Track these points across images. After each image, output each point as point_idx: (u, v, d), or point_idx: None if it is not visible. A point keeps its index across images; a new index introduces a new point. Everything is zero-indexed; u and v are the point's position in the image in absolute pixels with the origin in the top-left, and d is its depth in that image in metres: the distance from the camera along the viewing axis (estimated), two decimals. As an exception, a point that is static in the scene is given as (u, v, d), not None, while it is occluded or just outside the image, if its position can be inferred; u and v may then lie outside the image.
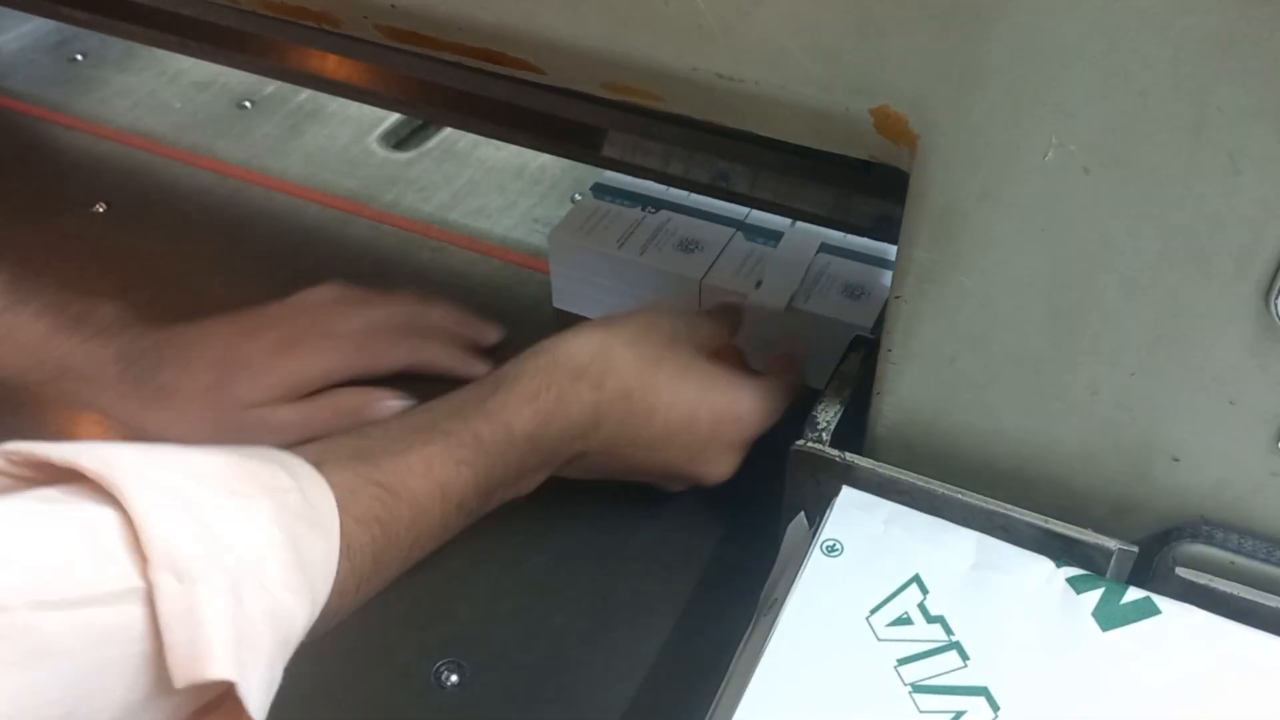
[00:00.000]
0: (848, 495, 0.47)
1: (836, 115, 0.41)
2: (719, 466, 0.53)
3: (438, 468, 0.45)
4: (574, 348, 0.50)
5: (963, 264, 0.41)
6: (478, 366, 0.63)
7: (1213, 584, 0.43)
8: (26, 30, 0.95)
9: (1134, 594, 0.43)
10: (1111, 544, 0.44)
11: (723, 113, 0.44)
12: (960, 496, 0.46)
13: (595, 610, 0.53)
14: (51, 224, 0.75)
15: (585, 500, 0.57)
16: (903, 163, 0.42)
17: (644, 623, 0.52)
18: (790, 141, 0.44)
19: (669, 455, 0.52)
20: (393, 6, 0.46)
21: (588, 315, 0.68)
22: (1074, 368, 0.42)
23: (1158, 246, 0.38)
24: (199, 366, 0.57)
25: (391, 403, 0.59)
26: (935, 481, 0.47)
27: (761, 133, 0.45)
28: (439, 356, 0.63)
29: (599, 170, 0.78)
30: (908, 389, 0.46)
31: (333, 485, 0.40)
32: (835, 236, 0.65)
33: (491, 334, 0.65)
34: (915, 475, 0.47)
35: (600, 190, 0.69)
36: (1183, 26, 0.33)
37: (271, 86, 0.88)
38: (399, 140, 0.84)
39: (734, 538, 0.56)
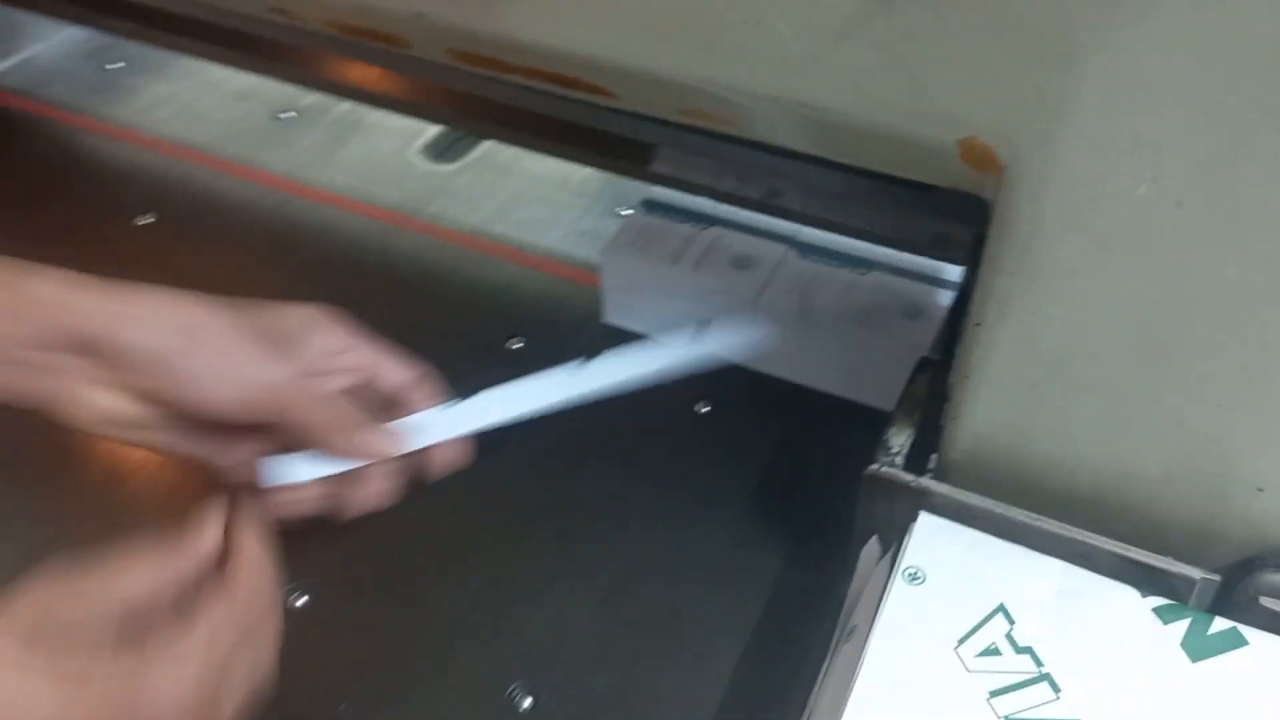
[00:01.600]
0: (926, 521, 0.47)
1: (921, 144, 0.40)
2: None
3: None
4: None
5: (1047, 292, 0.41)
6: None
7: (1298, 614, 0.43)
8: (62, 39, 0.95)
9: (1220, 624, 0.43)
10: (1195, 573, 0.44)
11: (801, 140, 0.44)
12: (1040, 524, 0.46)
13: (664, 631, 0.53)
14: (100, 235, 0.75)
15: (649, 518, 0.57)
16: (985, 191, 0.42)
17: (715, 644, 0.52)
18: (865, 167, 0.44)
19: None
20: (471, 33, 0.46)
21: (640, 330, 0.67)
22: (1159, 398, 0.42)
23: (1250, 280, 0.37)
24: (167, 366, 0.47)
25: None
26: (1014, 508, 0.46)
27: (837, 159, 0.44)
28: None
29: (643, 184, 0.78)
30: (984, 414, 0.46)
31: None
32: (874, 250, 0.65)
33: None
34: (994, 501, 0.47)
35: (651, 206, 0.68)
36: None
37: (310, 97, 0.88)
38: (441, 152, 0.83)
39: (800, 557, 0.56)
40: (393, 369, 0.51)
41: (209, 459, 0.49)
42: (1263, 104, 0.33)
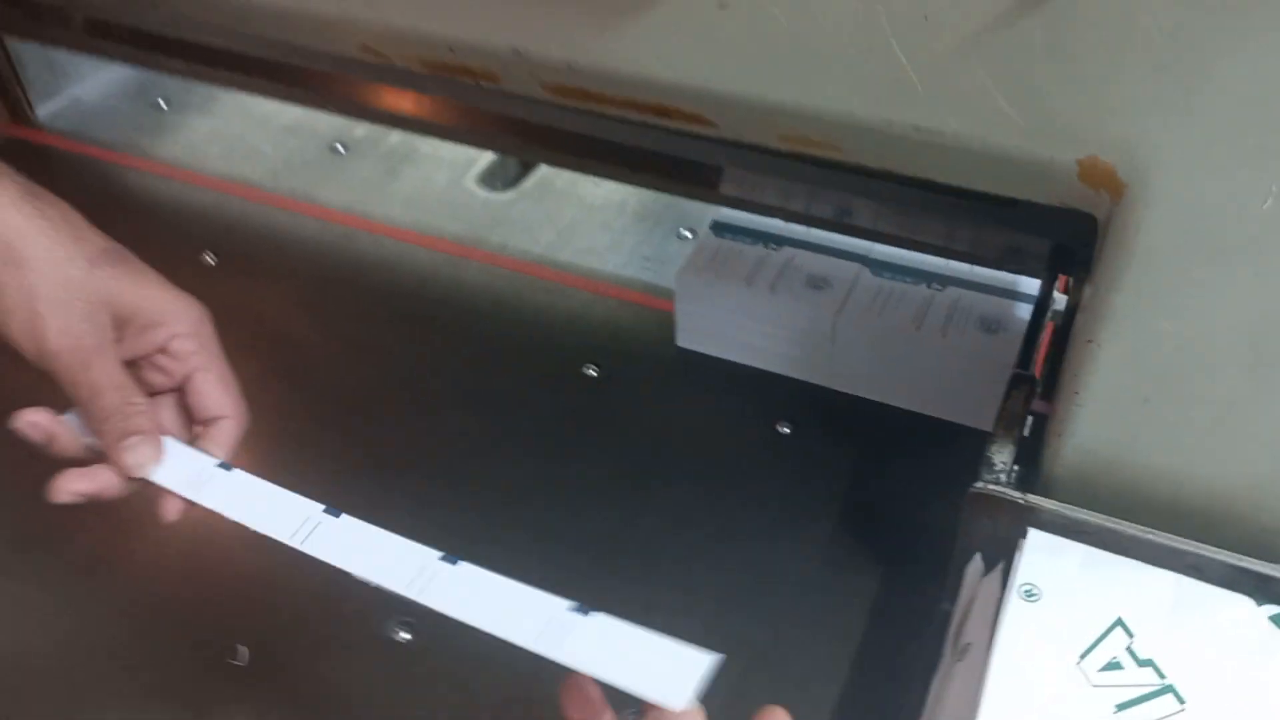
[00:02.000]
0: (1037, 538, 0.47)
1: (1038, 164, 0.41)
2: None
3: None
4: None
5: (1164, 308, 0.41)
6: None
7: None
8: (105, 79, 0.96)
9: (1338, 631, 0.43)
10: (1310, 580, 0.44)
11: (910, 163, 0.44)
12: (1151, 537, 0.46)
13: (768, 655, 0.53)
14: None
15: (741, 542, 0.58)
16: (1099, 209, 0.42)
17: (817, 666, 0.53)
18: (977, 189, 0.44)
19: None
20: (569, 67, 0.47)
21: (714, 353, 0.68)
22: (1271, 410, 0.42)
23: (1376, 290, 0.38)
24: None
25: None
26: (1125, 522, 0.47)
27: (947, 181, 0.45)
28: None
29: (700, 205, 0.78)
30: (1092, 431, 0.46)
31: None
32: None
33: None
34: (1103, 516, 0.47)
35: (720, 228, 0.69)
36: None
37: (360, 129, 0.88)
38: (496, 180, 0.84)
39: (892, 576, 0.56)
40: (215, 399, 0.49)
41: None
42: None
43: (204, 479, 0.47)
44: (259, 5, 0.52)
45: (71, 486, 0.45)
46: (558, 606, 0.41)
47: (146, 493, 0.47)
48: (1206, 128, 0.37)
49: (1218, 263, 0.39)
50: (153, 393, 0.48)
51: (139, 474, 0.46)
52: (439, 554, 0.43)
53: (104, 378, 0.45)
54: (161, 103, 0.93)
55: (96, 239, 0.47)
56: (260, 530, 0.44)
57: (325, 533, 0.44)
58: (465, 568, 0.43)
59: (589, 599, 0.55)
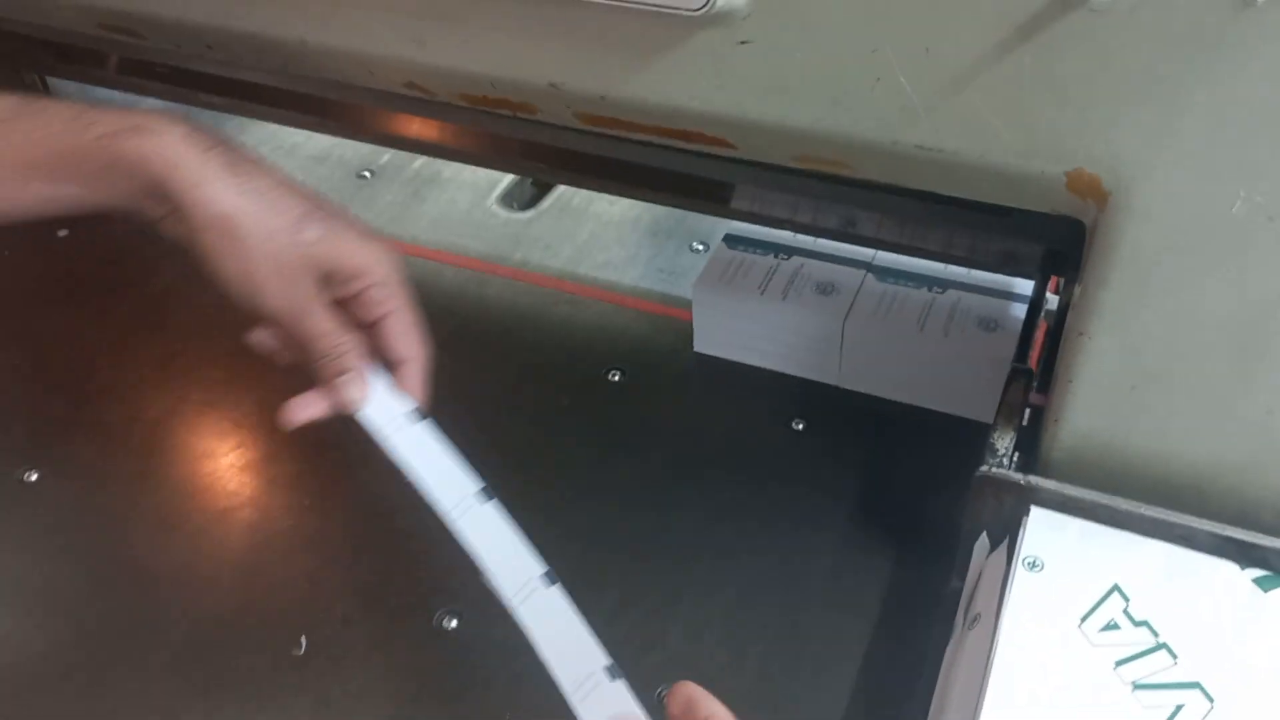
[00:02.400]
0: (1038, 514, 0.52)
1: (1030, 178, 0.46)
2: None
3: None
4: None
5: (1148, 303, 0.46)
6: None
7: (1383, 576, 0.48)
8: (137, 113, 1.00)
9: (1315, 590, 0.48)
10: (1287, 546, 0.49)
11: (913, 177, 0.49)
12: (1142, 511, 0.50)
13: (789, 637, 0.57)
14: (198, 306, 0.79)
15: (760, 532, 0.62)
16: (1086, 216, 0.47)
17: (836, 644, 0.57)
18: (974, 199, 0.49)
19: None
20: (602, 98, 0.51)
21: (729, 358, 0.72)
22: (1250, 392, 0.47)
23: (1335, 282, 0.43)
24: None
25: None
26: (1118, 498, 0.51)
27: (947, 193, 0.50)
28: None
29: (712, 219, 0.83)
30: (1085, 416, 0.51)
31: None
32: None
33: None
34: (1097, 493, 0.51)
35: (733, 240, 0.73)
36: (1370, 94, 0.38)
37: (385, 156, 0.93)
38: (516, 201, 0.89)
39: (904, 559, 0.61)
40: (404, 342, 0.55)
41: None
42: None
43: (397, 425, 0.54)
44: (312, 46, 0.57)
45: (297, 416, 0.54)
46: (597, 662, 0.48)
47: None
48: (1180, 143, 0.42)
49: (1195, 261, 0.44)
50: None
51: (352, 409, 0.54)
52: (542, 570, 0.51)
53: (315, 327, 0.52)
54: (191, 135, 0.97)
55: (297, 204, 0.52)
56: (425, 496, 0.52)
57: (474, 516, 0.52)
58: (554, 592, 0.50)
59: (631, 587, 0.59)
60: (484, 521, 0.52)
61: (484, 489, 0.53)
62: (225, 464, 0.67)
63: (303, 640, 0.57)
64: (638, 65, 0.49)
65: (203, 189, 0.49)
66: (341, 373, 0.53)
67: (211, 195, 0.49)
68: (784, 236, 0.73)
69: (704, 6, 0.45)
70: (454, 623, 0.58)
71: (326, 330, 0.53)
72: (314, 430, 0.68)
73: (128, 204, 0.51)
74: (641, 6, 0.46)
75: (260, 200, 0.50)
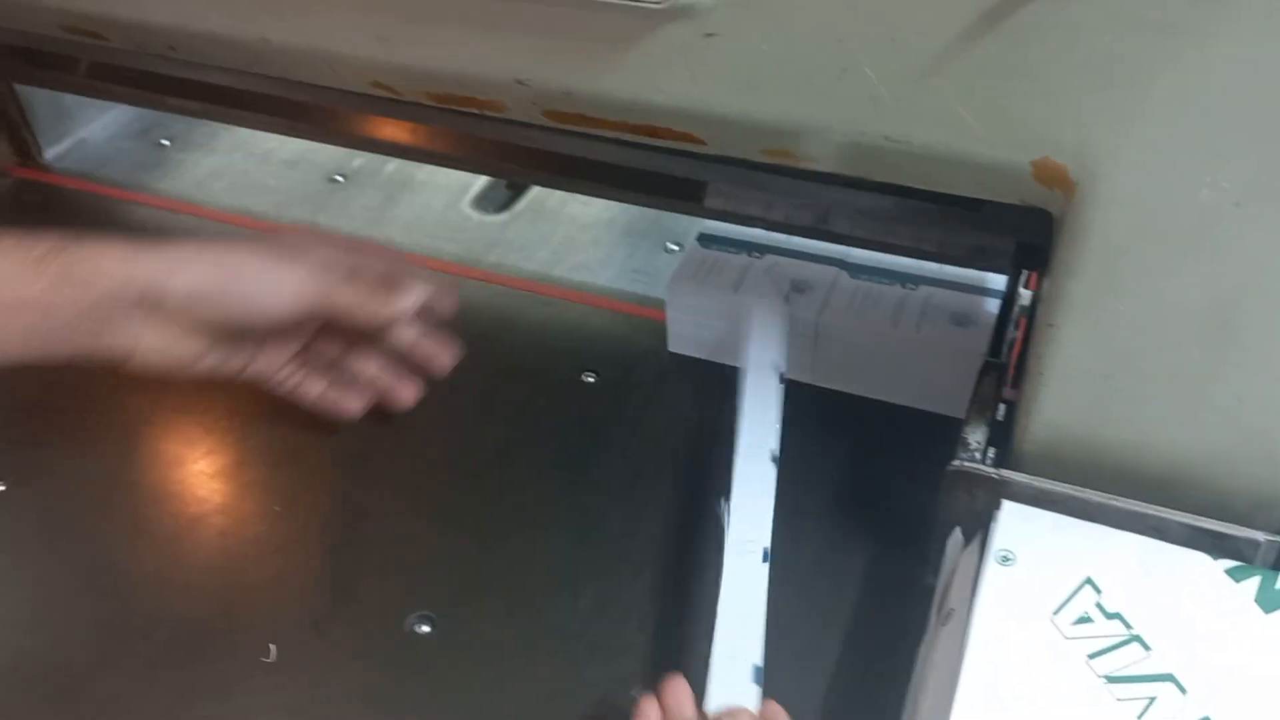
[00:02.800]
0: (1010, 508, 0.51)
1: (998, 167, 0.45)
2: None
3: None
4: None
5: (1117, 292, 0.46)
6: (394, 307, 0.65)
7: (1356, 564, 0.48)
8: (110, 119, 0.99)
9: (1287, 579, 0.47)
10: (1260, 536, 0.48)
11: (881, 170, 0.49)
12: (1115, 503, 0.50)
13: (767, 634, 0.57)
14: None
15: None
16: (1054, 206, 0.47)
17: (818, 639, 0.56)
18: (944, 191, 0.49)
19: None
20: (568, 94, 0.51)
21: (704, 358, 0.72)
22: (1221, 379, 0.47)
23: (1303, 268, 0.42)
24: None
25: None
26: (1090, 490, 0.51)
27: (915, 185, 0.49)
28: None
29: (686, 219, 0.83)
30: (1057, 407, 0.51)
31: None
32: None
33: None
34: (1069, 486, 0.51)
35: (706, 239, 0.73)
36: (1332, 78, 0.38)
37: (359, 160, 0.92)
38: (490, 203, 0.88)
39: (883, 554, 0.60)
40: (378, 256, 0.67)
41: (257, 372, 0.65)
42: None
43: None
44: (275, 46, 0.56)
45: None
46: (752, 655, 0.51)
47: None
48: (1146, 130, 0.42)
49: (1163, 249, 0.44)
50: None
51: (411, 307, 0.66)
52: (767, 544, 0.55)
53: (331, 291, 0.63)
54: (165, 141, 0.97)
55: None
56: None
57: (758, 464, 0.58)
58: (762, 569, 0.54)
59: (609, 587, 0.59)
60: (760, 472, 0.58)
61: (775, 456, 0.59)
62: (196, 470, 0.67)
63: (271, 648, 0.56)
64: (603, 60, 0.49)
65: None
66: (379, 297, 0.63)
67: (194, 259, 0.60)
68: (759, 235, 0.73)
69: (668, -1, 0.45)
70: (426, 628, 0.57)
71: (337, 281, 0.62)
72: (285, 436, 0.68)
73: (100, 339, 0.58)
74: (606, 0, 0.46)
75: (231, 247, 0.61)
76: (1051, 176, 0.44)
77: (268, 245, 0.62)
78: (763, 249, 0.72)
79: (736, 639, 0.51)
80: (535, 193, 0.88)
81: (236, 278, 0.60)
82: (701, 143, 0.52)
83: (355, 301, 0.63)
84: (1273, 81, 0.39)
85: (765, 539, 0.55)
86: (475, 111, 0.56)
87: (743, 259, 0.71)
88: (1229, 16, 0.38)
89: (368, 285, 0.63)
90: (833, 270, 0.70)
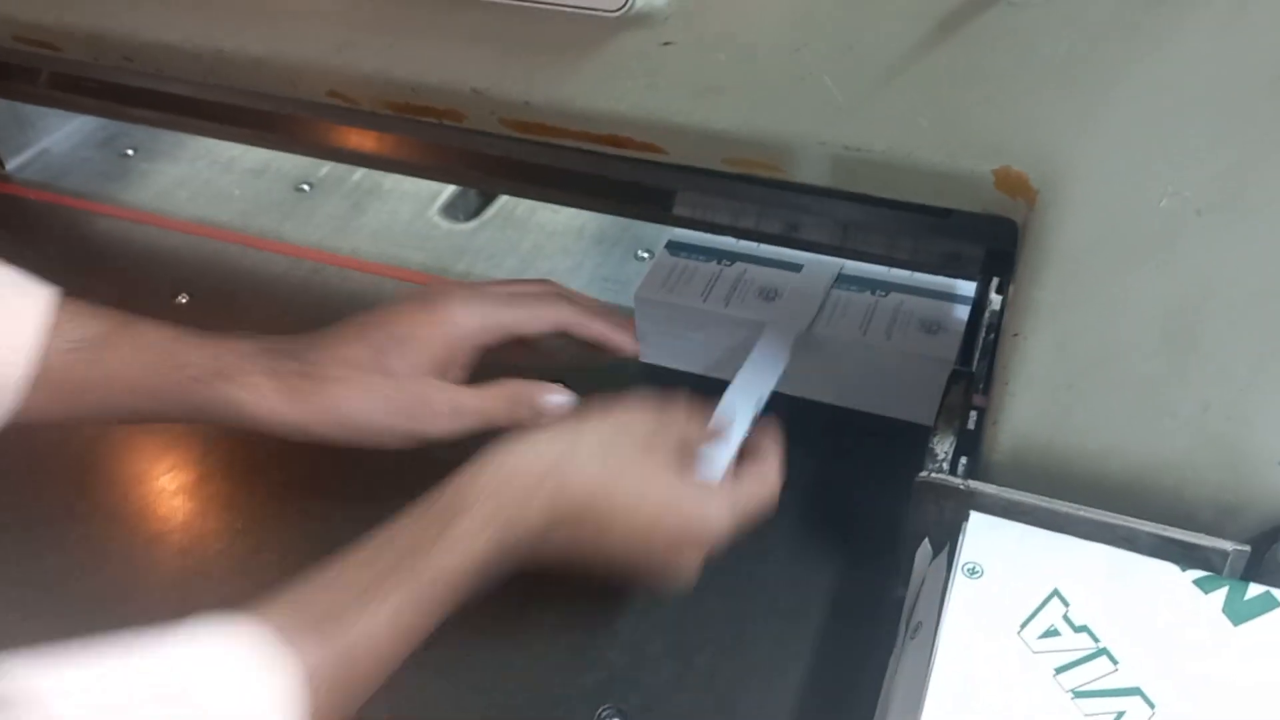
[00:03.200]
0: (978, 519, 0.51)
1: (959, 176, 0.45)
2: (678, 574, 0.53)
3: (406, 616, 0.45)
4: (528, 461, 0.49)
5: (1080, 300, 0.45)
6: (626, 340, 0.64)
7: (1325, 574, 0.47)
8: (73, 129, 0.98)
9: (1255, 589, 0.47)
10: (1228, 546, 0.48)
11: (843, 179, 0.48)
12: (1083, 513, 0.50)
13: (734, 648, 0.56)
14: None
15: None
16: (1017, 214, 0.46)
17: (782, 653, 0.56)
18: (908, 200, 0.48)
19: (626, 562, 0.52)
20: (526, 104, 0.50)
21: (674, 367, 0.71)
22: (1186, 387, 0.46)
23: (1265, 276, 0.42)
24: (350, 346, 0.55)
25: (559, 398, 0.58)
26: (1058, 501, 0.50)
27: (878, 194, 0.49)
28: (588, 323, 0.62)
29: (656, 227, 0.82)
30: (1023, 417, 0.50)
31: (303, 666, 0.41)
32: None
33: (627, 334, 0.65)
34: (1037, 496, 0.51)
35: (675, 247, 0.72)
36: (1291, 85, 0.38)
37: (325, 168, 0.91)
38: (459, 211, 0.87)
39: (851, 566, 0.60)
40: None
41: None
42: (1267, 121, 0.38)
43: None
44: (230, 56, 0.55)
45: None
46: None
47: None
48: (1106, 139, 0.41)
49: (1125, 257, 0.44)
50: None
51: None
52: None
53: (482, 397, 0.58)
54: (129, 151, 0.96)
55: (383, 349, 0.57)
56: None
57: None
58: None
59: (575, 604, 0.58)
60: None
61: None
62: (157, 488, 0.66)
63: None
64: (561, 69, 0.48)
65: (292, 424, 0.54)
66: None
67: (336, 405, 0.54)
68: (728, 243, 0.72)
69: (623, 7, 0.44)
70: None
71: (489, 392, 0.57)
72: (247, 452, 0.67)
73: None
74: (561, 8, 0.45)
75: (362, 379, 0.55)
76: (1013, 185, 0.44)
77: (414, 298, 0.58)
78: (732, 256, 0.71)
79: (753, 377, 0.61)
80: (504, 200, 0.87)
81: (415, 413, 0.55)
82: (663, 152, 0.51)
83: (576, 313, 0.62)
84: (1231, 89, 0.38)
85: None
86: (435, 121, 0.55)
87: (712, 267, 0.71)
88: (1186, 24, 0.38)
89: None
90: (793, 276, 0.70)
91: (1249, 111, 0.39)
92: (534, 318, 0.60)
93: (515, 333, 0.60)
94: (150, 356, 0.53)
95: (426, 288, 0.60)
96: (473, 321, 0.58)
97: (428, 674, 0.55)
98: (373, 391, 0.54)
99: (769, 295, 0.68)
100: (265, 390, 0.53)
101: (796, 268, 0.70)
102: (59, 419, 0.53)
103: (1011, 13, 0.39)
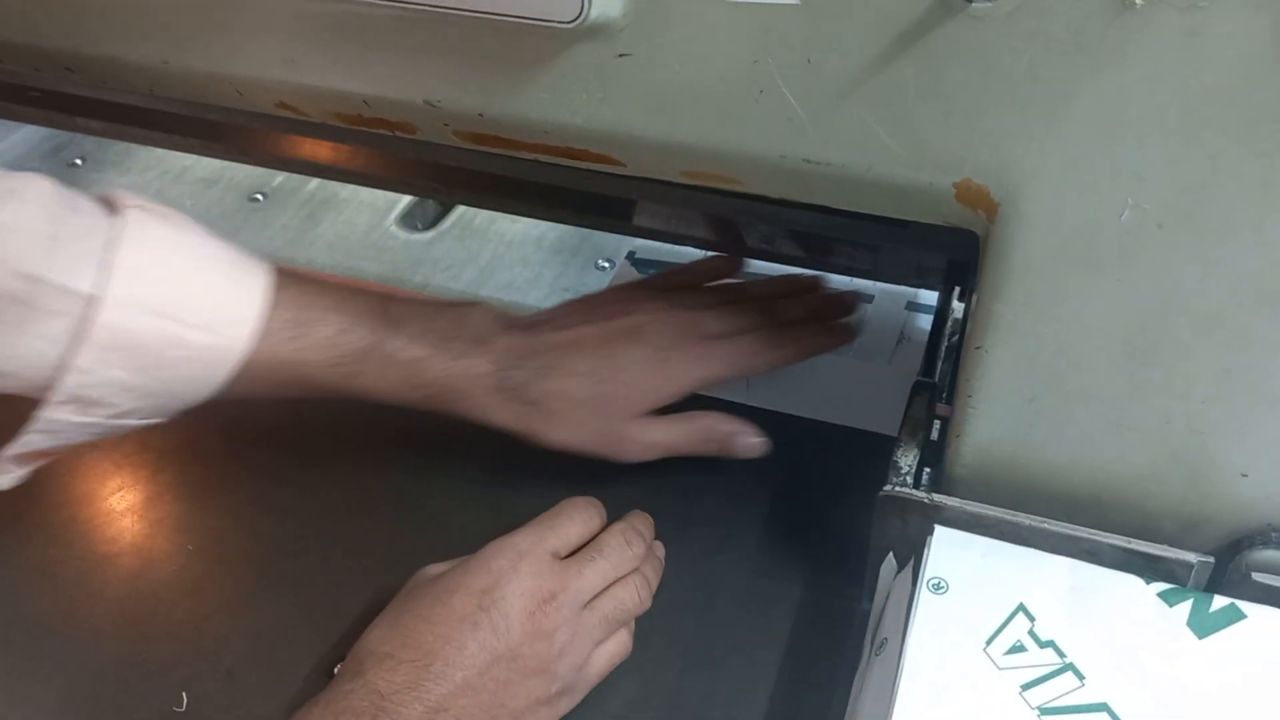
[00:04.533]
0: (942, 534, 0.50)
1: (919, 189, 0.44)
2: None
3: None
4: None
5: (1041, 314, 0.45)
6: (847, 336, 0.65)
7: (1289, 585, 0.47)
8: (19, 139, 0.96)
9: (1220, 601, 0.47)
10: (1192, 558, 0.48)
11: (803, 191, 0.48)
12: (1047, 526, 0.49)
13: (702, 665, 0.55)
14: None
15: (671, 557, 0.60)
16: (978, 227, 0.46)
17: (751, 671, 0.55)
18: (869, 213, 0.48)
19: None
20: (480, 116, 0.49)
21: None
22: (1148, 400, 0.46)
23: (1227, 288, 0.42)
24: (575, 379, 0.59)
25: (753, 440, 0.62)
26: (1022, 514, 0.50)
27: (838, 206, 0.48)
28: (822, 342, 0.64)
29: (616, 236, 0.81)
30: (986, 430, 0.50)
31: None
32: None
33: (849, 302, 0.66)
34: (1001, 510, 0.50)
35: (635, 260, 0.72)
36: (1252, 97, 0.37)
37: (280, 178, 0.90)
38: (417, 221, 0.86)
39: (817, 579, 0.59)
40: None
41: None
42: (1237, 133, 0.38)
43: None
44: (175, 69, 0.54)
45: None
46: None
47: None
48: (1066, 151, 0.41)
49: (1086, 270, 0.43)
50: None
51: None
52: None
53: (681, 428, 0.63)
54: (77, 161, 0.94)
55: (609, 377, 0.62)
56: None
57: None
58: None
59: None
60: None
61: None
62: (105, 508, 0.64)
63: (184, 696, 0.54)
64: (515, 81, 0.47)
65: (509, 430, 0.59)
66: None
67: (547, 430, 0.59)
68: (687, 254, 0.72)
69: (578, 18, 0.43)
70: (347, 668, 0.55)
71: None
72: (200, 471, 0.65)
73: None
74: (515, 19, 0.44)
75: (576, 416, 0.59)
76: (974, 198, 0.43)
77: (646, 335, 0.60)
78: (692, 268, 0.71)
79: None
80: (462, 209, 0.86)
81: (612, 448, 0.61)
82: (620, 165, 0.50)
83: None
84: (1188, 103, 0.38)
85: None
86: (388, 133, 0.54)
87: (672, 278, 0.70)
88: (1144, 38, 0.37)
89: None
90: (762, 288, 0.69)
91: (1207, 126, 0.38)
92: (762, 366, 0.63)
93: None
94: (396, 377, 0.57)
95: (659, 336, 0.61)
96: (698, 379, 0.61)
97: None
98: (583, 427, 0.60)
99: (729, 306, 0.68)
100: (493, 408, 0.59)
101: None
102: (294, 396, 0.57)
103: (970, 27, 0.39)
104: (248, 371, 0.52)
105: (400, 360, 0.57)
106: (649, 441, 0.61)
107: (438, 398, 0.58)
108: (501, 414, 0.59)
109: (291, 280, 0.55)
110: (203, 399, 0.53)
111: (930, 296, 0.67)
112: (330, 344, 0.55)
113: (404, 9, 0.45)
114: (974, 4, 0.38)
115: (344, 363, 0.55)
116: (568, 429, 0.59)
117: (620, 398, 0.60)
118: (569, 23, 0.43)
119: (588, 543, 0.55)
